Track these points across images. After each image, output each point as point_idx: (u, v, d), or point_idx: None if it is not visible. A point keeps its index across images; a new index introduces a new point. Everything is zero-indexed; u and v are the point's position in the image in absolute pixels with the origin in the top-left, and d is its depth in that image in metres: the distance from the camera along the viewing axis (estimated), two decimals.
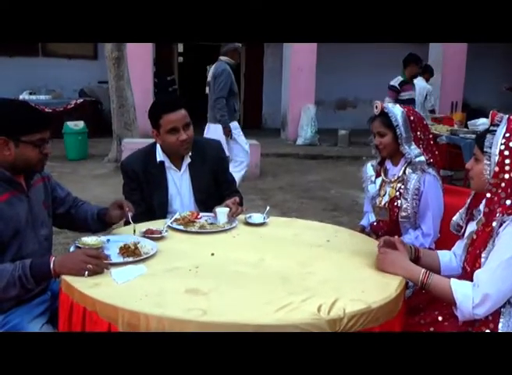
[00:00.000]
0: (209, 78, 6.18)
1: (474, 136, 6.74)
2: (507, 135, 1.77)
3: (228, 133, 5.97)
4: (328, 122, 12.46)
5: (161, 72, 12.40)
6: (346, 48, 13.26)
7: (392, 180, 2.62)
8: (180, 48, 15.13)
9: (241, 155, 6.29)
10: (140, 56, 10.27)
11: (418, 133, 2.55)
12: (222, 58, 6.12)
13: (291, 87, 11.48)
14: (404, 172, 2.57)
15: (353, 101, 14.40)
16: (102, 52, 9.53)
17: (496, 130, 1.81)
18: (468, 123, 7.38)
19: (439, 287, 1.86)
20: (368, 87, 13.73)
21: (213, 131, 6.07)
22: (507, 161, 1.76)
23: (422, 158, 2.52)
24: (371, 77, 13.54)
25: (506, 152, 1.76)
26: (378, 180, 2.71)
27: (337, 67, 13.27)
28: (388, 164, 2.69)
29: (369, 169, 2.81)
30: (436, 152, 2.65)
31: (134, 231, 2.21)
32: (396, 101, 6.46)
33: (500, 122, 1.82)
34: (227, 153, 5.86)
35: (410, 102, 6.60)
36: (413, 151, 2.52)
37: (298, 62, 11.32)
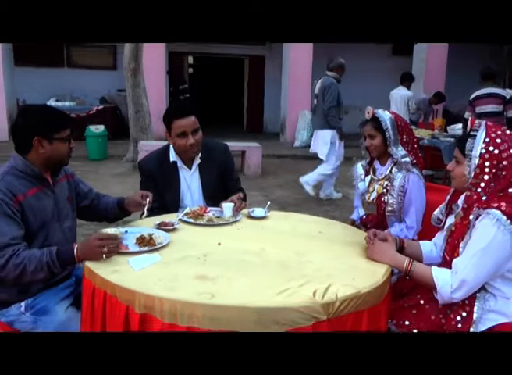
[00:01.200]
0: (317, 91, 6.19)
1: (453, 139, 6.75)
2: (487, 140, 1.77)
3: (342, 135, 6.03)
4: None
5: (174, 82, 12.40)
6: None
7: (380, 178, 2.62)
8: (190, 60, 15.12)
9: (335, 158, 6.25)
10: (154, 67, 10.26)
11: (404, 136, 2.56)
12: (329, 73, 6.13)
13: (289, 95, 11.47)
14: (391, 171, 2.58)
15: (345, 107, 14.30)
16: (121, 63, 9.53)
17: (475, 135, 1.80)
18: (448, 127, 7.38)
19: (422, 274, 1.86)
20: (358, 95, 13.69)
21: (320, 137, 6.16)
22: (487, 163, 1.76)
23: (407, 158, 2.53)
24: (361, 86, 13.55)
25: (487, 156, 1.76)
26: (367, 178, 2.72)
27: None
28: (376, 164, 2.70)
29: (359, 168, 2.82)
30: (420, 154, 2.66)
31: (141, 216, 2.25)
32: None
33: (479, 127, 1.82)
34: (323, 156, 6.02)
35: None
36: (399, 152, 2.53)
37: (295, 73, 11.31)
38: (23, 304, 2.01)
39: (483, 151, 1.77)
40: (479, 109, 6.30)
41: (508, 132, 1.81)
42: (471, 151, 1.80)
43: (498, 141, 1.76)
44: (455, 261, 1.80)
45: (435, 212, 2.16)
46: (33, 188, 2.01)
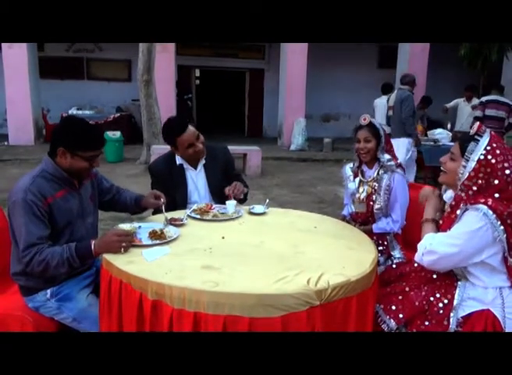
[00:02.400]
0: (392, 103, 6.10)
1: (432, 143, 6.74)
2: (488, 148, 1.72)
3: (418, 142, 6.00)
4: (316, 132, 12.46)
5: (181, 92, 12.36)
6: (330, 73, 13.23)
7: (369, 180, 2.63)
8: (197, 73, 15.10)
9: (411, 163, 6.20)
10: (165, 79, 10.24)
11: (388, 145, 2.60)
12: (403, 86, 6.08)
13: (286, 104, 11.46)
14: (378, 173, 2.58)
15: (335, 115, 14.38)
16: (135, 76, 9.51)
17: (479, 140, 1.75)
18: (428, 132, 7.37)
19: (423, 231, 1.92)
20: (347, 104, 13.74)
21: (398, 145, 5.84)
22: (482, 169, 1.72)
23: (392, 162, 2.54)
24: (350, 96, 13.57)
25: (484, 162, 1.72)
26: (357, 180, 2.71)
27: (323, 88, 13.26)
28: (364, 167, 2.70)
29: (347, 170, 2.80)
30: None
31: (166, 219, 2.21)
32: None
33: (483, 134, 1.76)
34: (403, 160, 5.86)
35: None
36: (386, 156, 2.55)
37: (291, 84, 11.30)
38: (48, 291, 2.01)
39: (482, 157, 1.72)
40: (490, 112, 6.32)
41: (507, 146, 1.76)
42: (471, 154, 1.74)
43: (497, 151, 1.72)
44: (439, 234, 1.81)
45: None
46: (61, 190, 2.00)
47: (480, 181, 1.73)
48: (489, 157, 1.71)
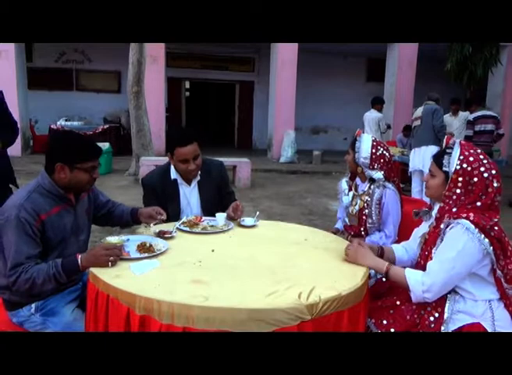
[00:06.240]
0: (419, 114, 6.32)
1: None
2: (461, 158, 1.77)
3: None
4: (305, 144, 12.54)
5: (169, 106, 12.26)
6: (319, 86, 13.36)
7: (361, 193, 2.63)
8: (187, 84, 15.14)
9: None
10: (155, 91, 10.25)
11: (376, 164, 2.61)
12: (430, 102, 6.32)
13: (275, 116, 11.52)
14: (370, 187, 2.59)
15: (324, 127, 14.50)
16: (124, 87, 9.50)
17: (451, 152, 1.81)
18: None
19: (398, 275, 1.85)
20: (337, 117, 13.88)
21: (428, 152, 6.06)
22: (460, 179, 1.76)
23: (379, 174, 2.55)
24: (339, 109, 13.72)
25: (460, 172, 1.76)
26: (351, 193, 2.72)
27: (312, 101, 13.38)
28: (357, 181, 2.71)
29: (344, 183, 2.82)
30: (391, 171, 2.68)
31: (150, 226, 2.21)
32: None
33: (453, 145, 1.82)
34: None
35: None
36: (372, 172, 2.56)
37: (281, 97, 11.38)
38: (33, 306, 1.97)
39: (458, 167, 1.77)
40: (480, 127, 6.53)
41: (479, 151, 1.81)
42: (448, 166, 1.81)
43: (471, 159, 1.76)
44: (429, 263, 1.80)
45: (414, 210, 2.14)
46: (57, 206, 1.97)
47: (458, 190, 1.78)
48: (465, 165, 1.76)
